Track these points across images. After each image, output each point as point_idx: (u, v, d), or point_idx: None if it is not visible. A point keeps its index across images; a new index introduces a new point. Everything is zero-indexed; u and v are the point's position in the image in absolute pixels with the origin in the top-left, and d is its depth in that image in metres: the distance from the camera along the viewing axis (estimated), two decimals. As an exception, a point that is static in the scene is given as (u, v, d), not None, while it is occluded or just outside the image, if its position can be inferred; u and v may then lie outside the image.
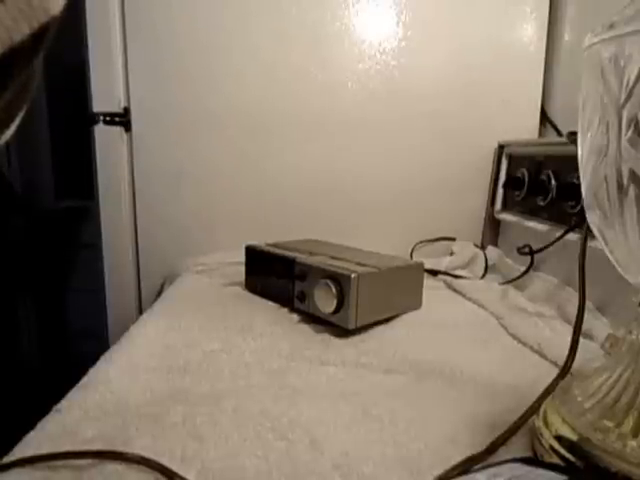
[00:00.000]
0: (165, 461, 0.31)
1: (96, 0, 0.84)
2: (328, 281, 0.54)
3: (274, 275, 0.65)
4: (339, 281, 0.54)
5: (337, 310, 0.54)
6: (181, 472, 0.30)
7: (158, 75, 0.86)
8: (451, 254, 0.90)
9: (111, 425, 0.35)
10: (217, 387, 0.42)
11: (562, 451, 0.30)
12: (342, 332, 0.55)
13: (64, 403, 0.39)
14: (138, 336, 0.54)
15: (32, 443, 0.34)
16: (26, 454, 0.31)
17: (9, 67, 0.23)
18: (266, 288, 0.67)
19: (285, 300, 0.63)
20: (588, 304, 0.50)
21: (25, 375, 1.38)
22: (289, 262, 0.62)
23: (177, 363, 0.47)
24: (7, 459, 0.31)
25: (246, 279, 0.72)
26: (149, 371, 0.45)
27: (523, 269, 0.73)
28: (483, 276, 0.82)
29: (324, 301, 0.55)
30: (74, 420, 0.36)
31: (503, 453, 0.32)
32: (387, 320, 0.60)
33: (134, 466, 0.31)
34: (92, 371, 0.45)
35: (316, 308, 0.56)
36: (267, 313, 0.62)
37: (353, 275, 0.53)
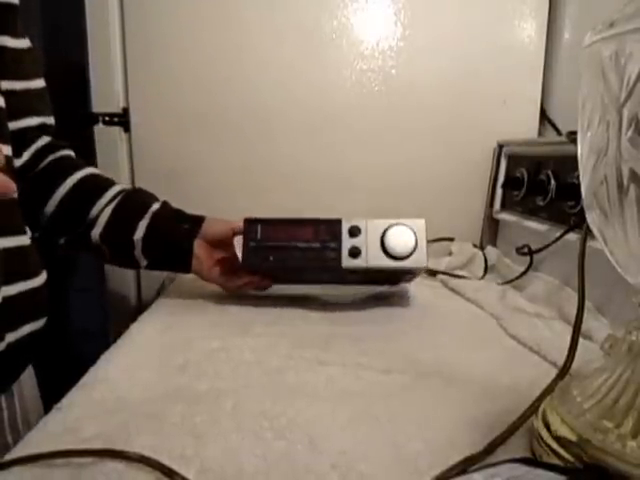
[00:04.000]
0: (165, 460, 0.31)
1: (96, 1, 0.84)
2: (404, 226, 0.59)
3: (298, 241, 0.61)
4: (410, 226, 0.59)
5: (412, 252, 0.58)
6: (181, 471, 0.30)
7: (157, 75, 0.86)
8: (450, 254, 0.90)
9: (111, 424, 0.35)
10: (216, 386, 0.42)
11: (561, 451, 0.30)
12: (341, 332, 0.55)
13: (64, 402, 0.39)
14: (138, 336, 0.54)
15: (33, 441, 0.34)
16: (27, 452, 0.31)
17: None
18: (281, 259, 0.61)
19: (320, 264, 0.60)
20: (588, 304, 0.50)
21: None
22: (331, 223, 0.61)
23: (177, 362, 0.47)
24: (8, 457, 0.31)
25: (247, 256, 0.62)
26: (149, 370, 0.45)
27: (522, 269, 0.73)
28: (483, 276, 0.82)
29: (402, 244, 0.58)
30: (74, 419, 0.36)
31: (502, 453, 0.32)
32: (386, 320, 0.60)
33: (134, 465, 0.31)
34: (92, 370, 0.45)
35: (378, 258, 0.59)
36: (266, 312, 0.62)
37: (423, 220, 0.60)
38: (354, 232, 0.60)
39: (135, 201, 0.65)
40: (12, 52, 0.55)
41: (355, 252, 0.59)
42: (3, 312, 0.47)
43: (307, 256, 0.61)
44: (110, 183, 0.66)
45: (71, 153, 0.67)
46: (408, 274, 0.65)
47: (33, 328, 0.52)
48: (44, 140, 0.64)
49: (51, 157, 0.64)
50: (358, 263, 0.59)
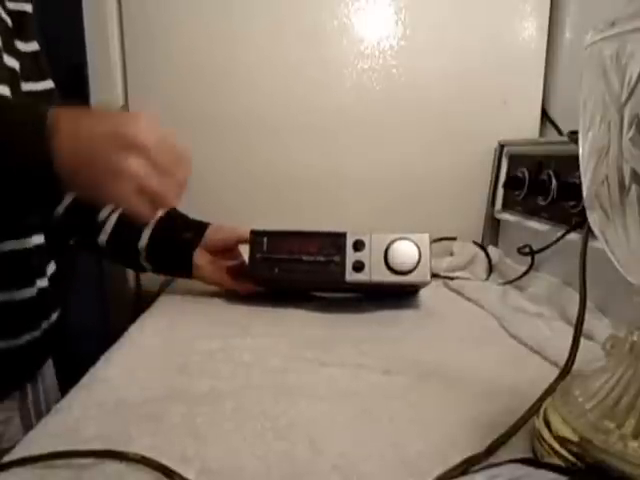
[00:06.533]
0: (165, 460, 0.31)
1: (93, 1, 0.84)
2: (408, 241, 0.60)
3: (303, 254, 0.62)
4: (414, 241, 0.60)
5: (415, 267, 0.59)
6: (181, 471, 0.30)
7: (156, 75, 0.86)
8: (451, 254, 0.90)
9: (111, 424, 0.35)
10: (217, 387, 0.42)
11: (562, 452, 0.30)
12: (341, 333, 0.55)
13: (64, 403, 0.39)
14: (138, 336, 0.54)
15: (33, 442, 0.34)
16: (27, 453, 0.31)
17: None
18: (287, 271, 0.62)
19: (324, 277, 0.62)
20: (589, 304, 0.49)
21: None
22: (336, 236, 0.61)
23: (177, 363, 0.47)
24: (8, 458, 0.31)
25: (253, 267, 0.64)
26: (149, 371, 0.45)
27: (523, 269, 0.73)
28: (487, 278, 0.81)
29: (405, 259, 0.59)
30: (74, 419, 0.36)
31: (503, 454, 0.32)
32: (386, 321, 0.60)
33: (134, 465, 0.31)
34: (92, 371, 0.45)
35: (381, 273, 0.59)
36: (267, 313, 0.62)
37: (427, 234, 0.61)
38: (358, 246, 0.60)
39: None
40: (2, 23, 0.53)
41: (359, 266, 0.60)
42: (41, 301, 0.51)
43: (312, 269, 0.62)
44: None
45: None
46: (411, 287, 0.65)
47: (55, 317, 0.55)
48: None
49: None
50: (362, 277, 0.60)
